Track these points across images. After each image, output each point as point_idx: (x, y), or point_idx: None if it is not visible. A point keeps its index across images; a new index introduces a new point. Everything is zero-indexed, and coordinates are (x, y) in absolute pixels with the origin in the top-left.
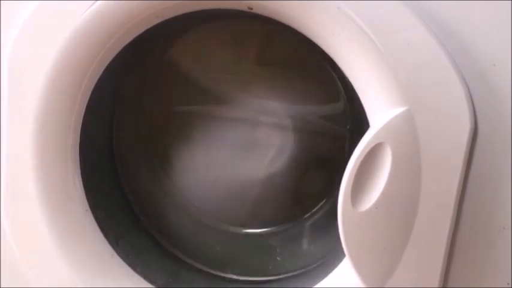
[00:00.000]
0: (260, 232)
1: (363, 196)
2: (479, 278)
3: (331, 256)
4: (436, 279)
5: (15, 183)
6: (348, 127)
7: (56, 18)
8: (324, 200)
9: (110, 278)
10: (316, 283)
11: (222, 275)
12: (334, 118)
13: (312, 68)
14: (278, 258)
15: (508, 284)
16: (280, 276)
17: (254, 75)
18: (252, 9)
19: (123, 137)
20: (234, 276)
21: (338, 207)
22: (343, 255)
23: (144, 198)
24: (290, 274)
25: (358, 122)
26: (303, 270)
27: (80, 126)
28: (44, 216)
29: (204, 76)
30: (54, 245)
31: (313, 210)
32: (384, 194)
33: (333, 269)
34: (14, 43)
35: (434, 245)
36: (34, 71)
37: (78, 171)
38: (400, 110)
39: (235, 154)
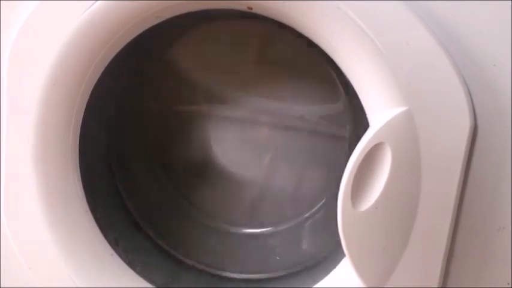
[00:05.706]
0: (260, 232)
1: (362, 196)
2: (479, 278)
3: (331, 256)
4: (435, 279)
5: (15, 183)
6: (348, 127)
7: (56, 18)
8: (324, 200)
9: (109, 278)
10: (316, 283)
11: (222, 274)
12: (334, 118)
13: (312, 68)
14: (278, 258)
15: (508, 284)
16: (280, 276)
17: (254, 75)
18: (252, 9)
19: (123, 137)
20: (234, 276)
21: (338, 207)
22: (343, 255)
23: (144, 199)
24: (290, 274)
25: (358, 122)
26: (303, 270)
27: (80, 126)
28: (44, 216)
29: (204, 76)
30: (54, 245)
31: (313, 210)
32: (384, 193)
33: (333, 269)
34: (14, 43)
35: (434, 245)
36: (34, 71)
37: (78, 171)
38: (400, 109)
39: (235, 154)
